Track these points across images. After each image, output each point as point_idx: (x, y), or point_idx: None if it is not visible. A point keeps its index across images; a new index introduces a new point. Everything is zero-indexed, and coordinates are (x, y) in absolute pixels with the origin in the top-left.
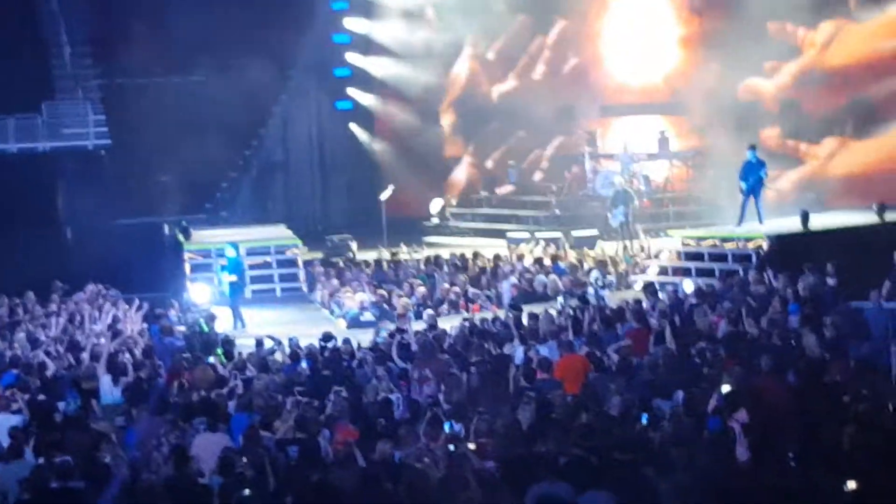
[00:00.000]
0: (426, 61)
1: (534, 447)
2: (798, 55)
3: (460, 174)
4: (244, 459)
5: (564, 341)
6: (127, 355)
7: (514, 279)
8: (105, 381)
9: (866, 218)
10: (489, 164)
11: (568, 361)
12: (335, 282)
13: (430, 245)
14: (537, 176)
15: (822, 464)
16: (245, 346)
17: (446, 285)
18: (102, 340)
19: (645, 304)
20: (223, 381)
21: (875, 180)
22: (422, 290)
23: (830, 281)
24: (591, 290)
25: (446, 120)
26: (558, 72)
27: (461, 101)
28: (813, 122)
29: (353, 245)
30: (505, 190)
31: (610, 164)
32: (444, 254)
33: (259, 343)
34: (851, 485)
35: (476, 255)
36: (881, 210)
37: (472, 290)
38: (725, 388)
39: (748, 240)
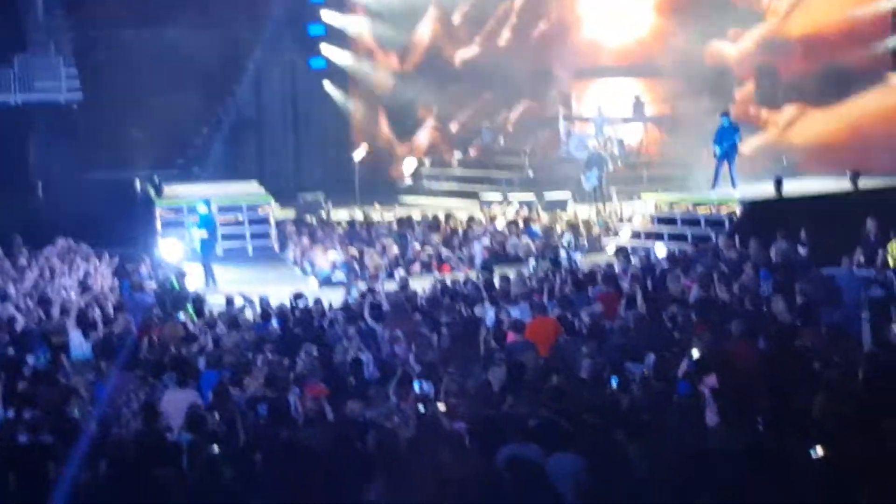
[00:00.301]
0: (402, 19)
1: (504, 409)
2: (762, 22)
3: (423, 137)
4: (214, 416)
5: (536, 303)
6: (97, 311)
7: (486, 241)
8: (75, 336)
9: (840, 185)
10: (454, 126)
11: (539, 324)
12: (307, 240)
13: (403, 205)
14: (501, 140)
15: (792, 430)
16: (216, 303)
17: (418, 246)
18: (73, 295)
19: (617, 268)
20: (193, 337)
21: (835, 148)
22: (394, 250)
23: (802, 248)
24: (563, 253)
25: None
26: (529, 35)
27: (426, 62)
28: (775, 89)
29: (327, 204)
30: (474, 152)
31: (584, 126)
32: (417, 214)
33: (229, 301)
34: (819, 451)
35: (448, 216)
36: (855, 177)
37: (444, 252)
38: (696, 353)
39: (721, 205)
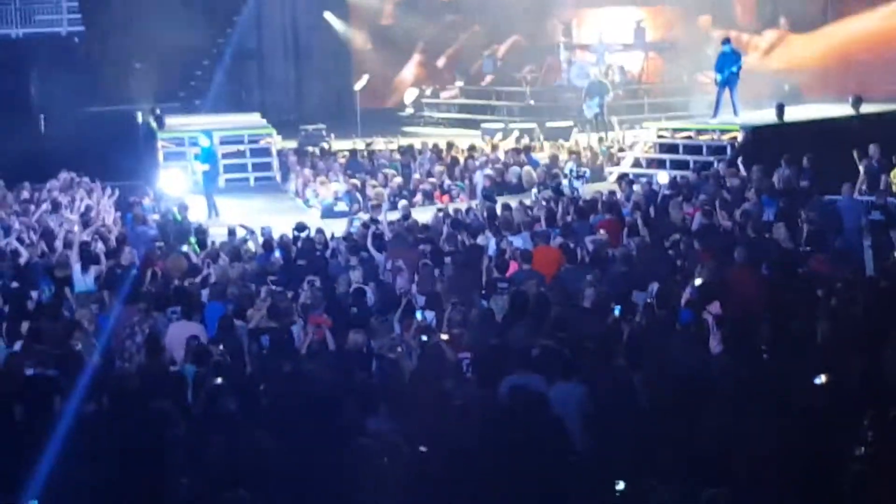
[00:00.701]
0: None
1: (507, 338)
2: None
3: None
4: (218, 348)
5: (538, 233)
6: (100, 244)
7: (488, 170)
8: (78, 269)
9: (842, 110)
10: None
11: (542, 253)
12: (309, 171)
13: (405, 135)
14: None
15: (795, 356)
16: (219, 235)
17: (421, 175)
18: (76, 228)
19: (619, 196)
20: (196, 269)
21: (829, 72)
22: (397, 180)
23: (805, 174)
24: (565, 182)
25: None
26: None
27: None
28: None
29: (329, 135)
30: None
31: (585, 54)
32: (418, 144)
33: (231, 232)
34: (822, 378)
35: (451, 144)
36: (857, 102)
37: (446, 181)
38: (698, 281)
39: (723, 132)
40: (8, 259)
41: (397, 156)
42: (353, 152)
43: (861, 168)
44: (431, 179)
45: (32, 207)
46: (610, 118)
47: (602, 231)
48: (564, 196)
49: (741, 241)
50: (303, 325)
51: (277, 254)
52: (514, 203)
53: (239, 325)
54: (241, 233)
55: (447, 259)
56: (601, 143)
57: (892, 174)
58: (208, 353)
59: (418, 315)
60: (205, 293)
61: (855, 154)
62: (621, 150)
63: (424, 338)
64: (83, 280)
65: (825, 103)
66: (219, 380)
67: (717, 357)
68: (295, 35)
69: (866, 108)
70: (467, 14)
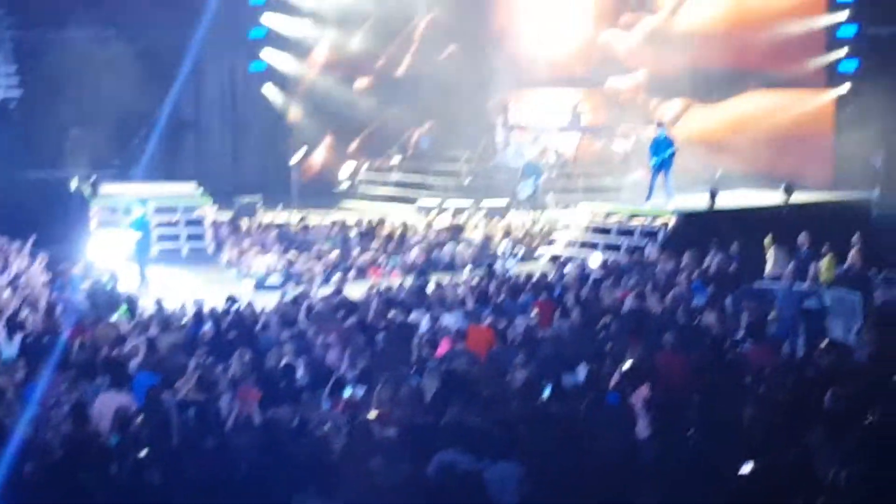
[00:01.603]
0: (342, 25)
1: (438, 416)
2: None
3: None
4: (144, 419)
5: (470, 311)
6: (29, 310)
7: (422, 247)
8: (3, 336)
9: (773, 198)
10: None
11: (474, 332)
12: (243, 243)
13: (341, 209)
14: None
15: (722, 443)
16: (149, 304)
17: (355, 251)
18: (4, 294)
19: (551, 277)
20: (125, 339)
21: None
22: (331, 255)
23: (734, 260)
24: (498, 261)
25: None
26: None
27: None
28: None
29: (264, 207)
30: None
31: (521, 135)
32: (353, 218)
33: (157, 304)
34: (748, 467)
35: (381, 221)
36: (788, 190)
37: (380, 257)
38: (627, 364)
39: (656, 216)
40: None
41: (332, 230)
42: (288, 225)
43: (770, 256)
44: (366, 255)
45: None
46: (545, 199)
47: (534, 311)
48: (497, 275)
49: (671, 325)
50: (231, 397)
51: (208, 325)
52: (446, 281)
53: (167, 396)
54: (172, 303)
55: (379, 335)
56: (535, 223)
57: (822, 262)
58: (133, 423)
59: (348, 391)
60: (134, 363)
61: (765, 242)
62: (555, 230)
63: (354, 414)
64: (8, 347)
65: (757, 190)
66: (144, 451)
67: (645, 441)
68: (233, 106)
69: (797, 197)
70: (404, 91)
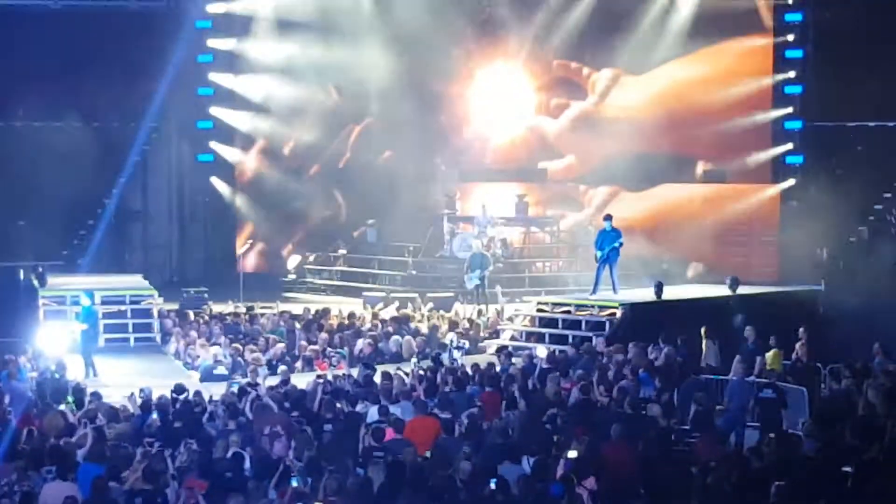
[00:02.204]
0: (291, 118)
1: None
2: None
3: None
4: None
5: (417, 402)
6: None
7: (368, 338)
8: None
9: (719, 291)
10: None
11: (420, 422)
12: (190, 334)
13: (287, 300)
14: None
15: None
16: (97, 394)
17: (302, 342)
18: None
19: (498, 368)
20: (73, 429)
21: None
22: (278, 345)
23: (679, 352)
24: (445, 352)
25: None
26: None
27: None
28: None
29: (209, 299)
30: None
31: (468, 226)
32: (300, 309)
33: (94, 395)
34: None
35: (328, 311)
36: (734, 284)
37: (326, 348)
38: (573, 454)
39: (602, 308)
40: None
41: (278, 320)
42: (234, 316)
43: (704, 348)
44: (312, 346)
45: None
46: (492, 290)
47: (480, 403)
48: (444, 366)
49: (617, 416)
50: (177, 487)
51: (155, 415)
52: (393, 372)
53: (114, 486)
54: (118, 395)
55: (325, 426)
56: (481, 315)
57: (768, 356)
58: None
59: (294, 482)
60: (81, 453)
61: (702, 332)
62: (501, 322)
63: None
64: None
65: (703, 284)
66: None
67: None
68: (180, 197)
69: (743, 290)
70: (349, 183)
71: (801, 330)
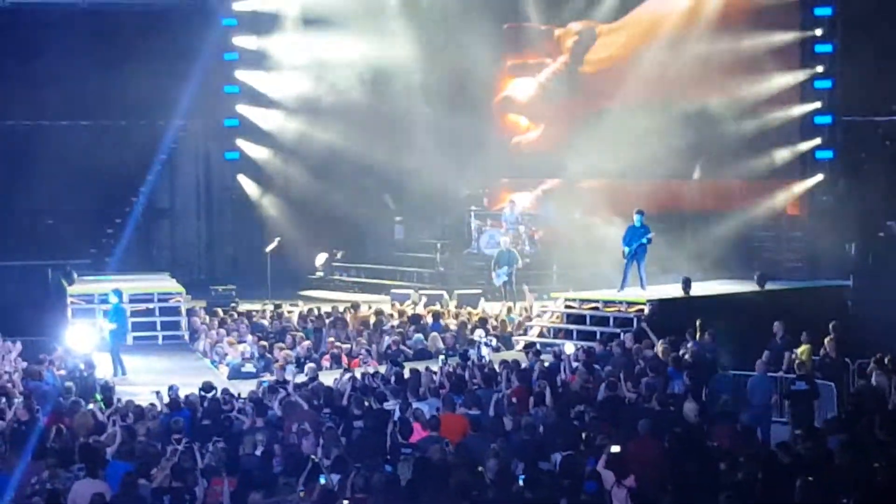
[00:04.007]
0: (318, 115)
1: None
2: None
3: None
4: None
5: (445, 399)
6: (4, 399)
7: (395, 335)
8: None
9: (747, 287)
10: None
11: (448, 419)
12: (218, 332)
13: (314, 298)
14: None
15: None
16: (125, 392)
17: (329, 339)
18: None
19: (526, 365)
20: (102, 427)
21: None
22: (306, 343)
23: (709, 349)
24: (472, 349)
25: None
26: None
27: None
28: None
29: (238, 296)
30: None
31: (495, 223)
32: (328, 307)
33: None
34: None
35: (356, 307)
36: (762, 280)
37: (354, 346)
38: (615, 449)
39: (630, 304)
40: None
41: (309, 318)
42: (262, 314)
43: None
44: (340, 343)
45: None
46: (520, 287)
47: (508, 400)
48: (472, 363)
49: (645, 412)
50: (206, 485)
51: (183, 413)
52: (421, 369)
53: (143, 483)
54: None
55: (354, 423)
56: (509, 311)
57: (799, 351)
58: None
59: (322, 479)
60: (110, 451)
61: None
62: (529, 319)
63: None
64: None
65: (730, 281)
66: None
67: None
68: (208, 195)
69: (771, 286)
70: (379, 180)
71: (830, 325)
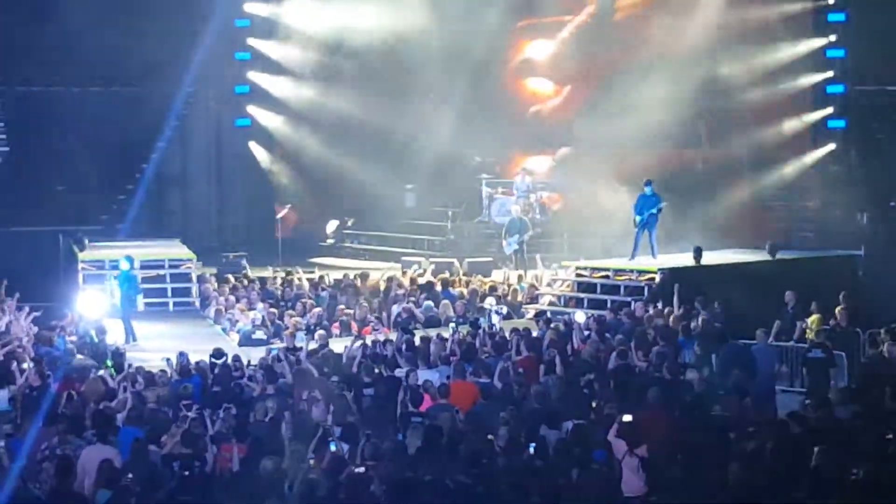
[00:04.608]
0: (330, 83)
1: (421, 472)
2: None
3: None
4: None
5: (455, 367)
6: (16, 364)
7: (406, 303)
8: None
9: (758, 256)
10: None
11: (458, 387)
12: (228, 298)
13: (325, 266)
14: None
15: (706, 498)
16: (136, 358)
17: (340, 306)
18: None
19: (536, 333)
20: (113, 393)
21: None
22: (316, 310)
23: (718, 318)
24: (483, 317)
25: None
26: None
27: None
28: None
29: (249, 263)
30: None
31: (506, 191)
32: (338, 274)
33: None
34: None
35: (366, 276)
36: (773, 249)
37: (364, 313)
38: (628, 418)
39: (641, 273)
40: None
41: (320, 285)
42: (273, 280)
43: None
44: (350, 310)
45: None
46: (533, 256)
47: (519, 368)
48: (482, 331)
49: (656, 381)
50: (216, 451)
51: (194, 380)
52: (432, 336)
53: (153, 450)
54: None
55: (364, 391)
56: (520, 280)
57: (809, 320)
58: (117, 477)
59: (332, 446)
60: (120, 417)
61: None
62: (540, 286)
63: (338, 469)
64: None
65: (741, 250)
66: None
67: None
68: (219, 162)
69: (782, 255)
70: (390, 148)
71: (840, 295)
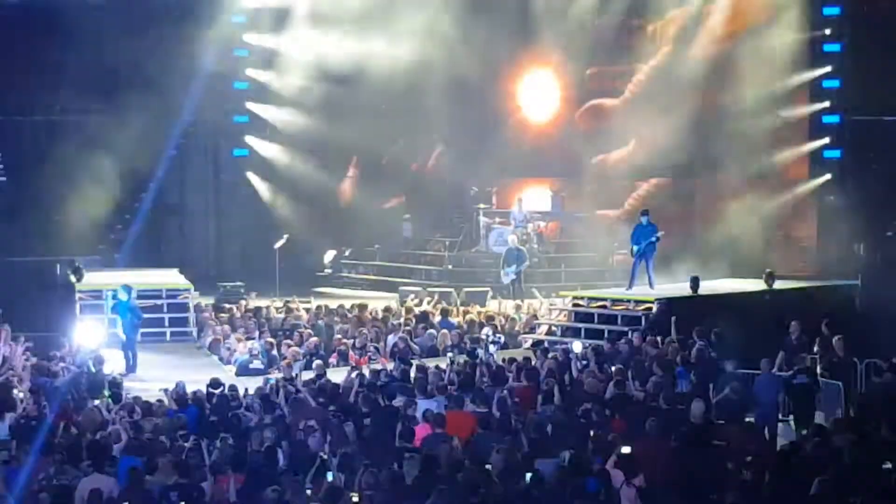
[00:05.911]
0: (328, 113)
1: (418, 502)
2: None
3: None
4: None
5: (452, 396)
6: (14, 392)
7: (403, 332)
8: None
9: (755, 285)
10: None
11: (455, 417)
12: (225, 328)
13: (322, 295)
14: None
15: None
16: (134, 388)
17: (337, 336)
18: None
19: (534, 363)
20: (110, 423)
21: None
22: (313, 340)
23: (714, 348)
24: (480, 347)
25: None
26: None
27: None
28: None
29: (245, 293)
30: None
31: (504, 221)
32: (335, 304)
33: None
34: None
35: (363, 306)
36: (770, 279)
37: (361, 342)
38: (626, 450)
39: (638, 302)
40: None
41: (317, 315)
42: (270, 310)
43: None
44: (348, 340)
45: None
46: (529, 286)
47: (516, 398)
48: (480, 361)
49: (653, 411)
50: (213, 481)
51: (191, 410)
52: (429, 366)
53: (150, 479)
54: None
55: (361, 420)
56: (517, 309)
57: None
58: None
59: (330, 476)
60: (118, 447)
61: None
62: (537, 317)
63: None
64: None
65: (739, 280)
66: None
67: None
68: (217, 192)
69: (779, 285)
70: (387, 178)
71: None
